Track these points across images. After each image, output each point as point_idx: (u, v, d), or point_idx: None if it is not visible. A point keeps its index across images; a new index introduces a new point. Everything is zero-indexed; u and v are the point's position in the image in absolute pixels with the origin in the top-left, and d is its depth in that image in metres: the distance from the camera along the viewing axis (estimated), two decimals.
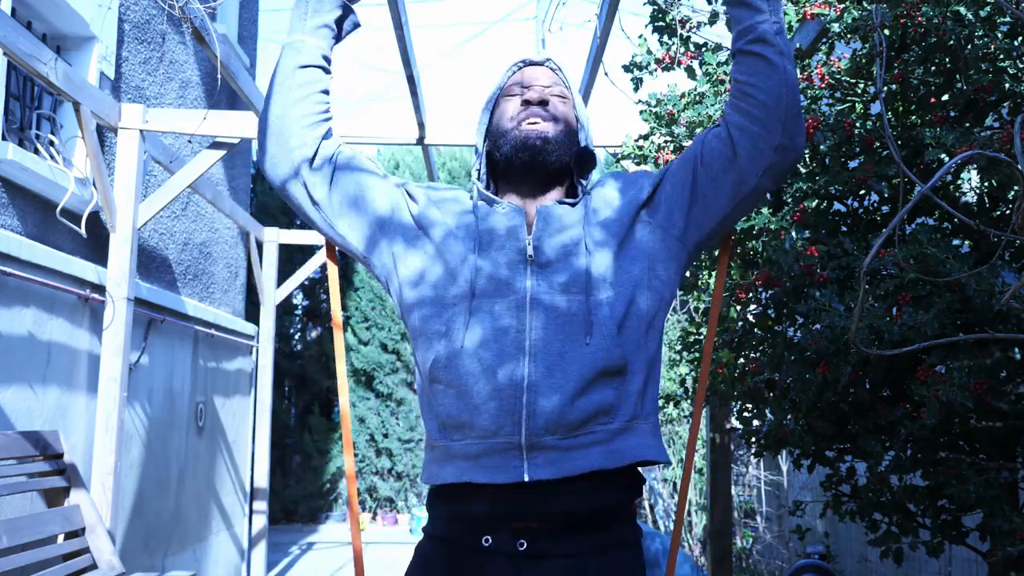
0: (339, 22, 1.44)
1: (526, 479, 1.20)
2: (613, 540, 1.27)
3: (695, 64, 2.65)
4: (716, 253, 2.57)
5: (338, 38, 1.45)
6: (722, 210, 1.35)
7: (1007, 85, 1.93)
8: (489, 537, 1.24)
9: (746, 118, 1.30)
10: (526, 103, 1.40)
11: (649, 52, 2.67)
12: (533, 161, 1.36)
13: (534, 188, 1.39)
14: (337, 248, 1.46)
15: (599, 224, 1.34)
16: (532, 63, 1.46)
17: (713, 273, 2.90)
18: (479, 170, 1.43)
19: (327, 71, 1.42)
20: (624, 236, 1.33)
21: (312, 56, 1.40)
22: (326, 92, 1.41)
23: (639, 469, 1.30)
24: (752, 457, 6.34)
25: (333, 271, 1.49)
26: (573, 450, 1.22)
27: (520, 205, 1.37)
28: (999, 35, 1.93)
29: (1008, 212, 2.07)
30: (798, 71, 2.36)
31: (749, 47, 1.30)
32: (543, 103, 1.40)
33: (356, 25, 1.47)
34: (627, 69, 2.69)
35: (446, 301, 1.29)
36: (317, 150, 1.38)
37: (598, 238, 1.32)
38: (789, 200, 2.29)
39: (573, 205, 1.37)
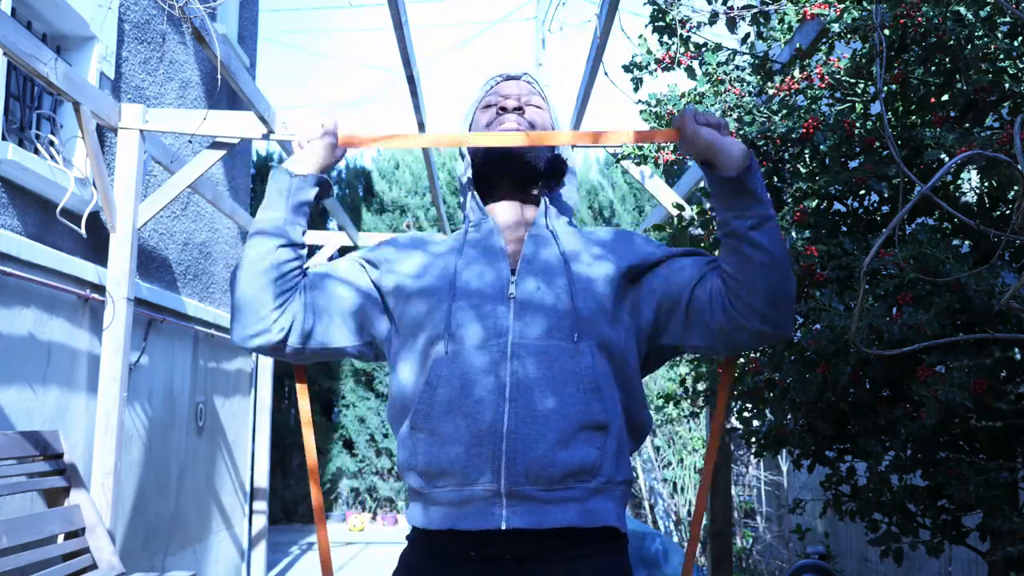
0: (317, 196, 1.40)
1: (503, 527, 1.21)
2: (602, 548, 1.27)
3: (695, 64, 2.65)
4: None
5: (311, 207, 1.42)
6: (697, 344, 1.34)
7: (1007, 85, 1.93)
8: (474, 553, 1.24)
9: (727, 299, 1.28)
10: (502, 110, 1.42)
11: (649, 52, 2.67)
12: (506, 161, 1.38)
13: (512, 189, 1.40)
14: (306, 368, 1.46)
15: (589, 278, 1.32)
16: (510, 77, 1.48)
17: None
18: (470, 179, 1.43)
19: (303, 246, 1.37)
20: (612, 299, 1.32)
21: (294, 234, 1.35)
22: (299, 268, 1.37)
23: (616, 527, 1.29)
24: (752, 457, 6.34)
25: (303, 391, 1.48)
26: (552, 504, 1.22)
27: (498, 226, 1.37)
28: (999, 35, 1.93)
29: (1008, 212, 2.07)
30: (797, 71, 2.36)
31: (724, 239, 1.28)
32: (518, 110, 1.42)
33: (329, 194, 1.43)
34: (627, 69, 2.69)
35: (425, 351, 1.30)
36: (292, 322, 1.34)
37: (586, 293, 1.31)
38: (789, 200, 2.29)
39: (537, 203, 1.39)
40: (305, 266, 1.39)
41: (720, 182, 1.26)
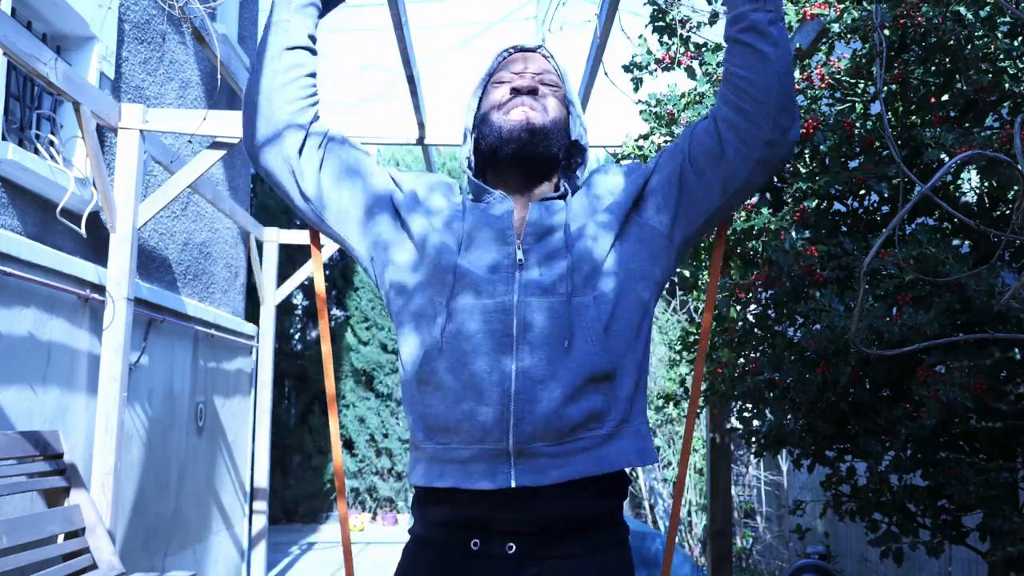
0: (326, 1, 1.39)
1: (513, 485, 1.18)
2: (604, 541, 1.25)
3: (695, 64, 2.65)
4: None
5: (322, 14, 1.40)
6: (710, 206, 1.30)
7: (1007, 85, 1.93)
8: (477, 540, 1.22)
9: (735, 111, 1.24)
10: (515, 91, 1.34)
11: (649, 52, 2.67)
12: (519, 153, 1.31)
13: (521, 180, 1.35)
14: (321, 235, 1.42)
15: (588, 224, 1.30)
16: (524, 49, 1.41)
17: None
18: (469, 157, 1.38)
19: (314, 52, 1.36)
20: (613, 237, 1.29)
21: (299, 36, 1.34)
22: (313, 75, 1.36)
23: (625, 472, 1.28)
24: (752, 457, 6.34)
25: (317, 256, 1.46)
26: (561, 457, 1.19)
27: (510, 198, 1.32)
28: (999, 35, 1.93)
29: (1008, 212, 2.07)
30: (797, 71, 2.36)
31: (740, 36, 1.23)
32: (532, 92, 1.34)
33: (341, 0, 1.41)
34: (627, 69, 2.69)
35: (431, 300, 1.26)
36: (305, 137, 1.33)
37: (586, 239, 1.28)
38: (789, 200, 2.29)
39: (562, 198, 1.33)
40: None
41: None
